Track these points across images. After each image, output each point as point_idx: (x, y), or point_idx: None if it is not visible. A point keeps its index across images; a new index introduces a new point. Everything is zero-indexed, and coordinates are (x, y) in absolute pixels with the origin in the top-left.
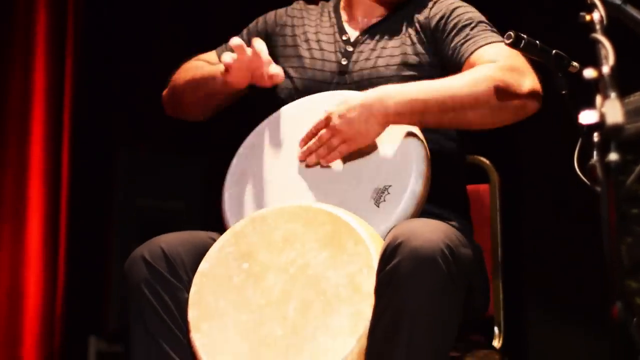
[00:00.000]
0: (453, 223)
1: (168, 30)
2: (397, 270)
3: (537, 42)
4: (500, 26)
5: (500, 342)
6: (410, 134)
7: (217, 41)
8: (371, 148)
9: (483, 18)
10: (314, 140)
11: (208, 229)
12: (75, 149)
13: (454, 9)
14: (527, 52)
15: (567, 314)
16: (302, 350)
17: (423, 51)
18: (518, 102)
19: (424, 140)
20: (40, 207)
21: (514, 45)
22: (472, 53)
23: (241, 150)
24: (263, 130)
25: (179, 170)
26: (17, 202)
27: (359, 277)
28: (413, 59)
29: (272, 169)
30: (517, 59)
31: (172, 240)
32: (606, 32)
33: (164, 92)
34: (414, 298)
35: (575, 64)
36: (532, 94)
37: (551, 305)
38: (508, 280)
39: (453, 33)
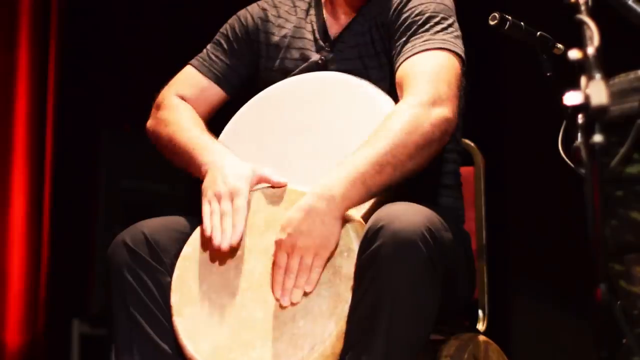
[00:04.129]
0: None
1: (154, 8)
2: (378, 253)
3: (522, 23)
4: (485, 7)
5: (485, 325)
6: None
7: (205, 20)
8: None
9: (439, 8)
10: (285, 278)
11: (192, 213)
12: (59, 129)
13: (408, 1)
14: (512, 33)
15: (551, 297)
16: (282, 333)
17: (381, 49)
18: (431, 135)
19: None
20: (23, 189)
21: (498, 27)
22: (403, 62)
23: (222, 137)
24: (242, 117)
25: None
26: (0, 184)
27: (339, 259)
28: (374, 56)
29: (256, 154)
30: (437, 81)
31: (154, 225)
32: (591, 13)
33: (148, 123)
34: (395, 281)
35: (560, 45)
36: (439, 125)
37: (536, 288)
38: (492, 263)
39: (400, 30)
